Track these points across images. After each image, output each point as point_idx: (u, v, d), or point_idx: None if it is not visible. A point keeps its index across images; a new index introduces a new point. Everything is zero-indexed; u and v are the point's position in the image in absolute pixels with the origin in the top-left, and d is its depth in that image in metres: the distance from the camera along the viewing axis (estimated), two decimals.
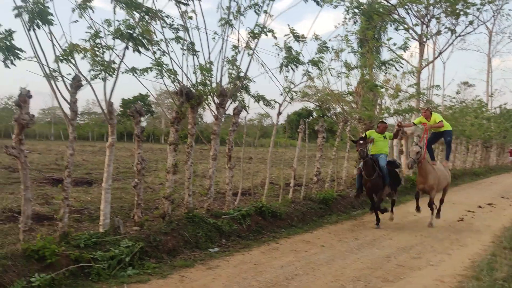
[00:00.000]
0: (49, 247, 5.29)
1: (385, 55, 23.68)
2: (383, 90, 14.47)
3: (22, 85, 5.41)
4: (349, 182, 13.50)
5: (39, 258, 5.21)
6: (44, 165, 17.00)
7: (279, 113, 10.06)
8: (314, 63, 9.65)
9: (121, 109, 56.01)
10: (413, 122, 10.73)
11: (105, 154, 6.86)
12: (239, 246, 7.42)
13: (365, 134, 9.78)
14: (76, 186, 10.91)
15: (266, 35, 8.39)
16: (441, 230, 9.34)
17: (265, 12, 8.20)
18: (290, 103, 10.29)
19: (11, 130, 56.91)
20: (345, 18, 11.97)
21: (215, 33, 7.95)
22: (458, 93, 26.29)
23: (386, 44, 15.96)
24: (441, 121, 10.04)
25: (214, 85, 8.16)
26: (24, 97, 5.22)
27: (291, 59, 8.90)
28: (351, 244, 7.90)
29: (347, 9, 11.86)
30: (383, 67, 13.21)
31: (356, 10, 11.57)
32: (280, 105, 9.96)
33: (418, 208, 9.74)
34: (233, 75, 8.54)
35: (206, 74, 7.68)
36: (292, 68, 9.09)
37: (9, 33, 5.16)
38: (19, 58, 5.30)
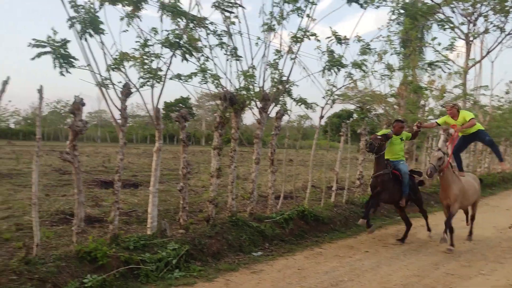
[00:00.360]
0: (101, 249, 5.49)
1: (429, 55, 23.05)
2: (427, 92, 14.09)
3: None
4: None
5: (91, 260, 5.41)
6: (92, 167, 17.64)
7: (321, 117, 10.00)
8: (358, 65, 9.53)
9: (163, 111, 57.36)
10: (436, 122, 8.90)
11: (149, 157, 7.07)
12: (282, 250, 7.43)
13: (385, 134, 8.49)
14: (123, 188, 11.24)
15: (309, 39, 8.36)
16: (492, 237, 8.98)
17: (308, 16, 8.17)
18: (331, 106, 10.23)
19: (60, 133, 59.64)
20: (390, 20, 11.72)
21: (258, 38, 8.00)
22: (507, 92, 25.06)
23: (430, 44, 15.52)
24: (473, 118, 8.14)
25: (257, 89, 8.22)
26: (78, 105, 5.47)
27: (334, 63, 8.83)
28: (397, 250, 7.74)
29: (392, 10, 11.60)
30: (428, 69, 12.84)
31: (402, 11, 11.27)
32: (322, 108, 9.91)
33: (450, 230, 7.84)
34: (275, 80, 8.57)
35: (249, 79, 7.74)
36: (335, 72, 9.02)
37: (64, 42, 5.42)
38: (73, 66, 5.56)
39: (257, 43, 8.00)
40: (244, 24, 8.50)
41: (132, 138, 61.35)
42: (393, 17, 11.91)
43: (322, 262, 6.81)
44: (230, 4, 7.04)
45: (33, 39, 5.32)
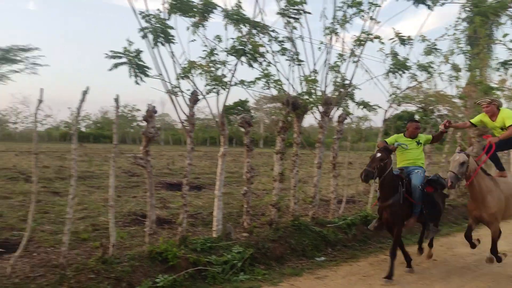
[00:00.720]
0: (171, 250, 5.74)
1: (499, 53, 21.74)
2: (498, 92, 13.31)
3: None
4: (462, 190, 12.59)
5: (162, 260, 5.67)
6: (157, 169, 18.32)
7: (385, 120, 9.81)
8: (423, 67, 9.23)
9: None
10: (469, 122, 7.30)
11: (210, 159, 7.28)
12: (346, 256, 7.34)
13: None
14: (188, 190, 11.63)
15: (372, 41, 8.22)
16: None
17: (371, 18, 8.05)
18: (396, 109, 10.02)
19: (126, 136, 62.56)
20: (459, 18, 11.20)
21: (321, 42, 8.00)
22: None
23: (501, 41, 14.61)
24: None
25: (319, 93, 8.21)
26: (151, 113, 5.76)
27: (399, 66, 8.62)
28: (467, 259, 7.39)
29: (463, 7, 11.05)
30: (501, 68, 12.10)
31: (475, 8, 10.68)
32: (386, 111, 9.73)
33: (473, 245, 6.65)
34: (337, 83, 8.51)
35: (311, 84, 7.75)
36: (399, 74, 8.81)
37: (138, 53, 5.75)
38: (147, 76, 5.88)
39: (319, 48, 8.00)
40: (306, 28, 8.53)
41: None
42: (463, 15, 11.36)
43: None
44: (296, 11, 7.10)
45: (111, 51, 5.69)
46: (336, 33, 8.02)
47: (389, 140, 6.98)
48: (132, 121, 63.58)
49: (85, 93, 5.14)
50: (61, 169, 15.63)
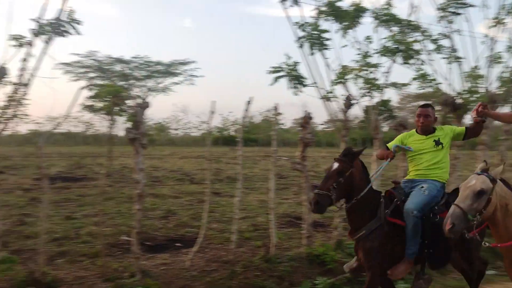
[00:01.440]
0: (328, 254, 5.86)
1: None
2: None
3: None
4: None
5: (319, 263, 5.81)
6: None
7: None
8: None
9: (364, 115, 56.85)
10: None
11: None
12: None
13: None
14: None
15: None
16: None
17: None
18: None
19: (271, 139, 65.09)
20: None
21: (486, 35, 7.33)
22: None
23: None
24: None
25: (482, 90, 7.55)
26: (307, 119, 5.97)
27: None
28: None
29: None
30: None
31: None
32: None
33: None
34: (504, 78, 7.70)
35: (476, 80, 7.17)
36: None
37: (295, 65, 6.03)
38: (304, 85, 6.14)
39: (483, 42, 7.33)
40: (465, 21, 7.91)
41: (334, 142, 62.57)
42: None
43: None
44: (457, 5, 6.65)
45: (271, 67, 6.12)
46: (503, 23, 7.26)
47: (393, 142, 4.78)
48: (274, 124, 65.75)
49: (248, 103, 5.57)
50: (218, 171, 16.93)
